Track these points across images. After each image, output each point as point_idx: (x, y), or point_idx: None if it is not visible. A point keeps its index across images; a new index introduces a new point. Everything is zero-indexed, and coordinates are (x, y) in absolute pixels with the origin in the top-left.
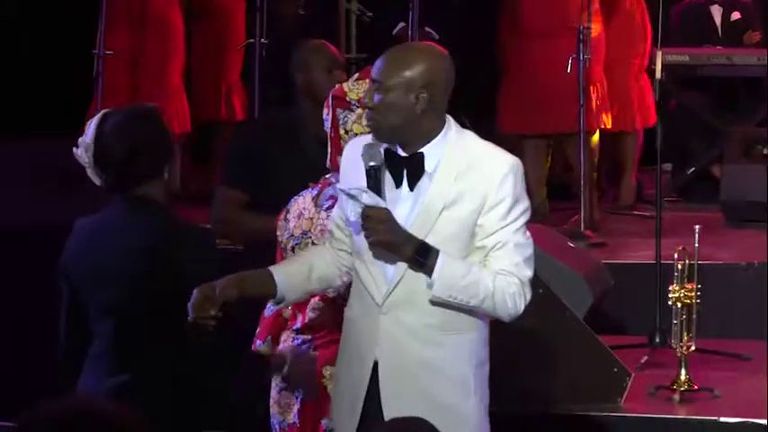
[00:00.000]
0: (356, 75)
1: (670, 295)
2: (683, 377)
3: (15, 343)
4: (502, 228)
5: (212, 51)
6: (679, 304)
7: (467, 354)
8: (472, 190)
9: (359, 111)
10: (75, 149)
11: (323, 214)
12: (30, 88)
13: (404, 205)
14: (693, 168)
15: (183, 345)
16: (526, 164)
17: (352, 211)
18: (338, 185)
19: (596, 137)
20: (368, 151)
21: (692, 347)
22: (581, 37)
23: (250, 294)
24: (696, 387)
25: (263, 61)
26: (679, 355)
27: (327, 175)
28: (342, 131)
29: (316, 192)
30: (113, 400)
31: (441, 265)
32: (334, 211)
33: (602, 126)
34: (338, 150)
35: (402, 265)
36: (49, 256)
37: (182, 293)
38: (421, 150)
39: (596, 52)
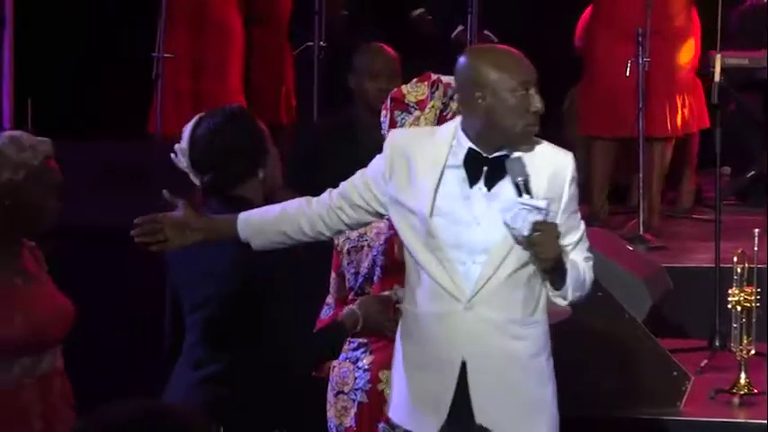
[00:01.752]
0: (415, 78)
1: (729, 299)
2: (742, 381)
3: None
4: (579, 221)
5: (272, 54)
6: (738, 308)
7: (542, 344)
8: (558, 187)
9: (417, 113)
10: (172, 155)
11: None
12: (93, 90)
13: (478, 204)
14: (753, 172)
15: (272, 343)
16: (594, 166)
17: (524, 223)
18: (520, 199)
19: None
20: (513, 165)
21: (752, 351)
22: (639, 40)
23: (213, 237)
24: (756, 391)
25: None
26: (739, 358)
27: None
28: None
29: None
30: (198, 392)
31: (569, 269)
32: (361, 180)
33: (673, 131)
34: None
35: (493, 263)
36: (121, 256)
37: (268, 297)
38: (506, 152)
39: (679, 56)
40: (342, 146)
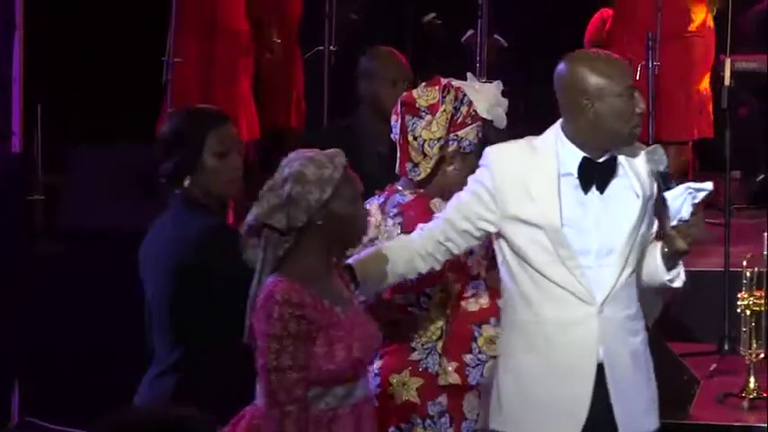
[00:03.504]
0: (424, 83)
1: (739, 303)
2: (751, 384)
3: (98, 343)
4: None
5: (283, 59)
6: (748, 312)
7: (645, 337)
8: (648, 181)
9: (428, 117)
10: None
11: (389, 221)
12: (105, 95)
13: (595, 209)
14: (763, 175)
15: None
16: None
17: (688, 208)
18: (690, 185)
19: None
20: (652, 157)
21: (761, 355)
22: (650, 44)
23: None
24: (765, 394)
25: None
26: (748, 362)
27: (395, 183)
28: (411, 138)
29: (382, 199)
30: (154, 387)
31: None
32: (462, 205)
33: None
34: (406, 157)
35: (620, 264)
36: (130, 259)
37: (209, 289)
38: (614, 154)
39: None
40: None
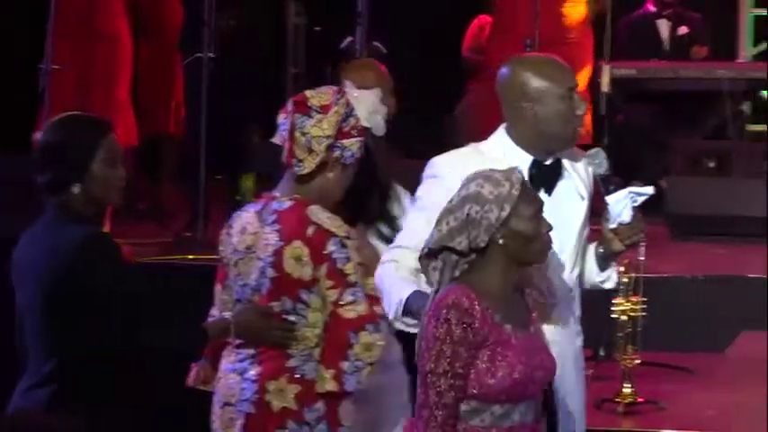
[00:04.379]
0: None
1: (615, 309)
2: (627, 390)
3: None
4: None
5: (161, 65)
6: (624, 317)
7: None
8: (590, 185)
9: (318, 116)
10: None
11: (267, 229)
12: None
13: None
14: (639, 182)
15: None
16: None
17: (629, 211)
18: (631, 189)
19: None
20: (593, 161)
21: (637, 360)
22: (528, 51)
23: None
24: (641, 400)
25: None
26: (623, 368)
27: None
28: (298, 134)
29: (259, 207)
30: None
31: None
32: (429, 216)
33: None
34: (291, 154)
35: (571, 263)
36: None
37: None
38: (558, 157)
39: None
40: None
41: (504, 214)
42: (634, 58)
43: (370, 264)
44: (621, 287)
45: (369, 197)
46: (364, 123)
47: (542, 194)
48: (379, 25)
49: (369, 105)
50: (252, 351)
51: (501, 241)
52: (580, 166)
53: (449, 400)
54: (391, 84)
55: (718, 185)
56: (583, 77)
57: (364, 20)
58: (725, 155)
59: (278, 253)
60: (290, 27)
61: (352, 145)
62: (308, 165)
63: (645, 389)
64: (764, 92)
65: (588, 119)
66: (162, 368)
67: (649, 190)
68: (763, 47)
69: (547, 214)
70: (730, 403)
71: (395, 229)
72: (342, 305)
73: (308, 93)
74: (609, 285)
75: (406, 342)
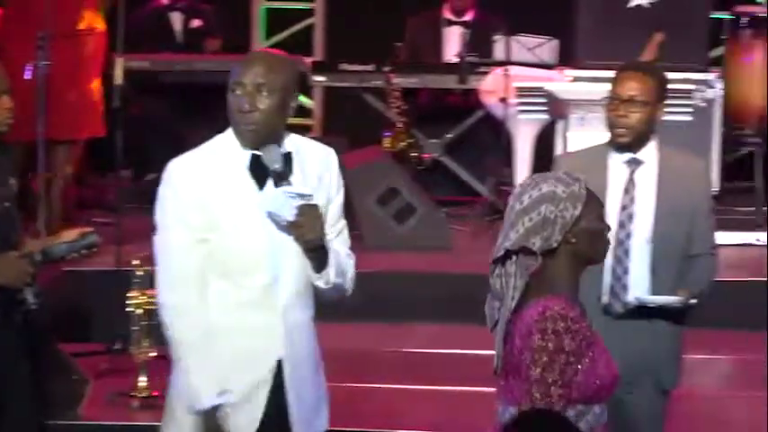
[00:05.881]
0: None
1: (130, 302)
2: (142, 383)
3: None
4: (342, 213)
5: None
6: (139, 310)
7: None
8: (326, 181)
9: None
10: None
11: None
12: None
13: (284, 202)
14: (156, 174)
15: None
16: None
17: (289, 210)
18: (283, 189)
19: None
20: (268, 156)
21: (152, 353)
22: (41, 44)
23: None
24: (155, 393)
25: None
26: (139, 361)
27: None
28: None
29: None
30: None
31: (330, 252)
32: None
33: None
34: None
35: (299, 261)
36: None
37: None
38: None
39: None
40: None
41: (577, 213)
42: (148, 51)
43: None
44: (137, 280)
45: None
46: None
47: (253, 188)
48: None
49: None
50: None
51: (573, 240)
52: (311, 157)
53: (559, 408)
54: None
55: None
56: (94, 71)
57: None
58: None
59: None
60: None
61: None
62: None
63: (161, 382)
64: None
65: (101, 110)
66: None
67: (305, 190)
68: (279, 38)
69: (260, 209)
70: None
71: None
72: None
73: None
74: (322, 285)
75: None
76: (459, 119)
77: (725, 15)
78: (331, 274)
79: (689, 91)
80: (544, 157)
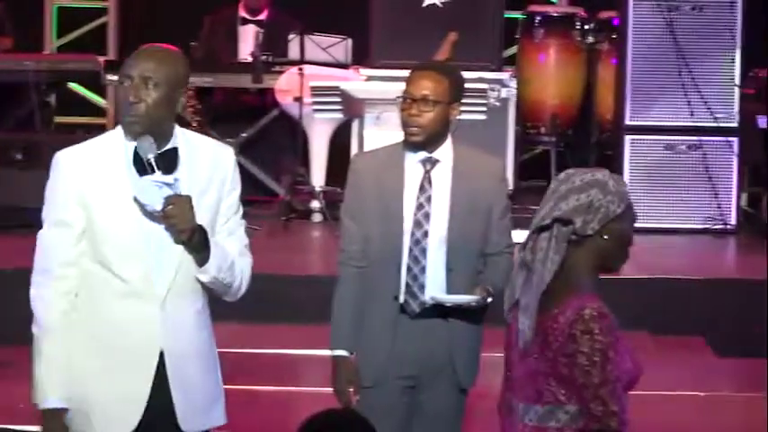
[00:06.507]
0: None
1: None
2: None
3: None
4: (238, 212)
5: None
6: None
7: (211, 332)
8: (217, 179)
9: None
10: None
11: None
12: None
13: (154, 192)
14: None
15: None
16: None
17: (157, 199)
18: (149, 177)
19: None
20: (142, 144)
21: None
22: None
23: None
24: None
25: None
26: None
27: None
28: None
29: None
30: None
31: (213, 247)
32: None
33: None
34: None
35: (179, 253)
36: None
37: None
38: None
39: None
40: None
41: (619, 211)
42: None
43: None
44: None
45: None
46: None
47: (134, 179)
48: None
49: None
50: None
51: (605, 236)
52: (203, 154)
53: (624, 400)
54: None
55: (26, 177)
56: None
57: None
58: (33, 146)
59: None
60: None
61: None
62: None
63: None
64: (72, 84)
65: None
66: None
67: (168, 179)
68: (72, 37)
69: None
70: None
71: None
72: None
73: None
74: (204, 279)
75: None
76: (254, 118)
77: (519, 15)
78: (212, 268)
79: (483, 90)
80: (340, 156)
